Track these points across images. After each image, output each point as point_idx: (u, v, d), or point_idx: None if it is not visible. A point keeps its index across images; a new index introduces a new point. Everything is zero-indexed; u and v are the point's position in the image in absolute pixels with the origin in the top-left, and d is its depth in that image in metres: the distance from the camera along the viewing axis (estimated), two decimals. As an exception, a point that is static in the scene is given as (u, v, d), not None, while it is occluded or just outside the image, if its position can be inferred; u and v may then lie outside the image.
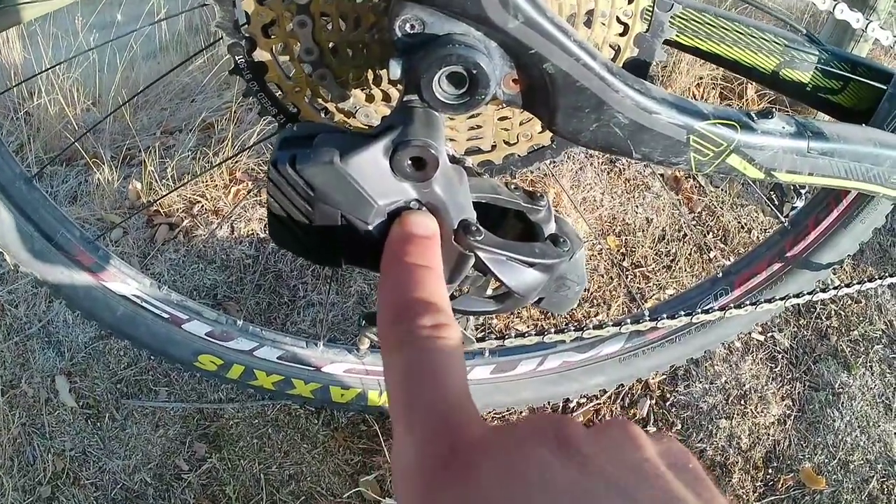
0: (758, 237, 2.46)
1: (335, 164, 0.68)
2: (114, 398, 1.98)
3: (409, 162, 0.69)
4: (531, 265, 0.75)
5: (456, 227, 0.71)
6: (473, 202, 0.76)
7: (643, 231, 2.45)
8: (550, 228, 0.81)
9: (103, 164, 2.45)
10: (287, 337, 1.54)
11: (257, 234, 2.30)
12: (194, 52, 3.25)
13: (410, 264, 0.64)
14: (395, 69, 0.76)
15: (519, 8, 0.75)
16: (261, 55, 0.97)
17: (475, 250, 0.71)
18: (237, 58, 0.98)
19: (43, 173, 2.46)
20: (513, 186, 0.81)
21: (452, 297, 0.76)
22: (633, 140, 0.88)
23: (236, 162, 2.48)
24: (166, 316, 1.46)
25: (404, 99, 0.76)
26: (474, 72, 0.74)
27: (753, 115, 0.95)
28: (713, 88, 2.92)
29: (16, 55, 3.13)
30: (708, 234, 2.48)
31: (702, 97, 2.86)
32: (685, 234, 2.45)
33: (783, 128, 0.96)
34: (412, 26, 0.75)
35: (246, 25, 0.95)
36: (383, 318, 0.61)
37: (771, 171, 0.97)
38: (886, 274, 1.46)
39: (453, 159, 0.82)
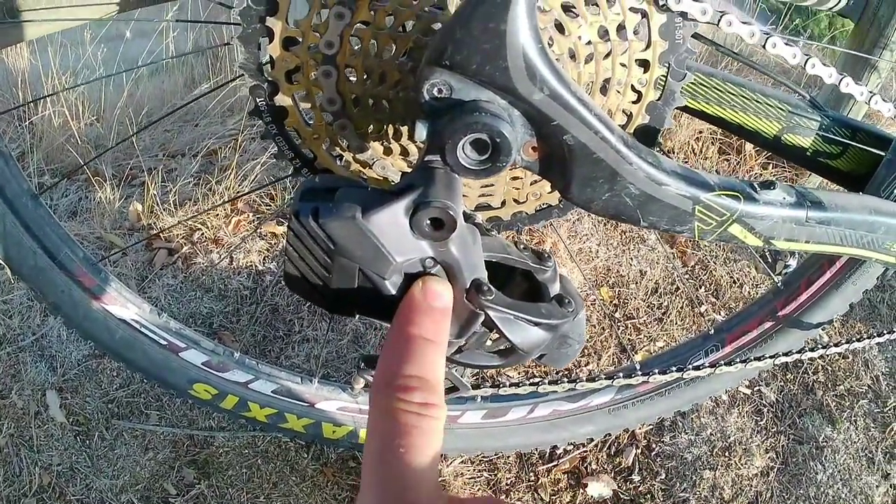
0: (749, 292, 2.49)
1: (357, 219, 0.69)
2: (104, 417, 1.98)
3: (429, 222, 0.70)
4: (537, 324, 0.77)
5: (468, 285, 0.73)
6: (485, 261, 0.78)
7: (636, 283, 2.47)
8: (556, 288, 0.82)
9: (105, 182, 2.46)
10: (282, 371, 1.54)
11: (256, 265, 2.31)
12: (206, 87, 3.24)
13: (418, 336, 0.66)
14: (421, 132, 0.77)
15: (545, 81, 0.77)
16: (282, 100, 0.98)
17: (486, 309, 0.73)
18: (258, 100, 0.99)
19: (47, 189, 2.47)
20: (522, 246, 0.82)
21: (459, 351, 0.79)
22: (641, 209, 0.90)
23: (238, 192, 2.50)
24: (164, 343, 1.45)
25: (426, 159, 0.77)
26: (498, 140, 0.75)
27: (756, 186, 0.97)
28: (712, 143, 2.95)
29: (23, 63, 3.13)
30: (700, 288, 2.50)
31: (700, 151, 2.90)
32: (678, 288, 2.47)
33: (784, 198, 0.98)
34: (440, 90, 0.77)
35: (270, 69, 0.96)
36: (379, 381, 0.64)
37: (770, 240, 0.99)
38: (875, 333, 1.47)
39: (466, 216, 0.84)
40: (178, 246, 2.33)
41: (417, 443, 0.59)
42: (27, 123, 2.72)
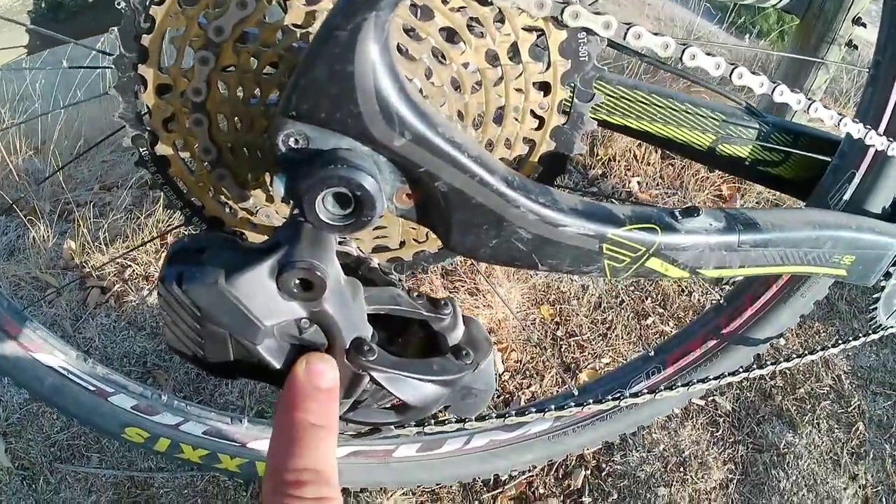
0: (699, 300, 2.46)
1: (219, 285, 0.66)
2: (48, 461, 1.97)
3: (297, 282, 0.67)
4: (430, 381, 0.73)
5: (348, 346, 0.70)
6: (373, 313, 0.75)
7: (578, 299, 2.43)
8: (456, 336, 0.80)
9: (40, 220, 2.43)
10: (212, 412, 1.50)
11: (187, 301, 2.28)
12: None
13: (306, 422, 0.63)
14: (279, 187, 0.72)
15: (406, 125, 0.71)
16: (163, 150, 0.93)
17: (367, 371, 0.70)
18: (141, 150, 0.95)
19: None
20: (416, 294, 0.79)
21: (354, 408, 0.75)
22: (537, 254, 0.84)
23: (169, 228, 2.47)
24: (92, 388, 1.42)
25: (294, 213, 0.73)
26: (358, 193, 0.70)
27: (677, 214, 0.91)
28: (655, 150, 2.91)
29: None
30: (646, 299, 2.46)
31: (643, 158, 2.86)
32: (622, 301, 2.44)
33: (710, 224, 0.92)
34: (296, 141, 0.71)
35: (148, 118, 0.91)
36: (269, 475, 0.61)
37: (696, 270, 0.93)
38: (829, 344, 1.41)
39: (358, 261, 0.80)
40: (110, 284, 2.31)
41: None
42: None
